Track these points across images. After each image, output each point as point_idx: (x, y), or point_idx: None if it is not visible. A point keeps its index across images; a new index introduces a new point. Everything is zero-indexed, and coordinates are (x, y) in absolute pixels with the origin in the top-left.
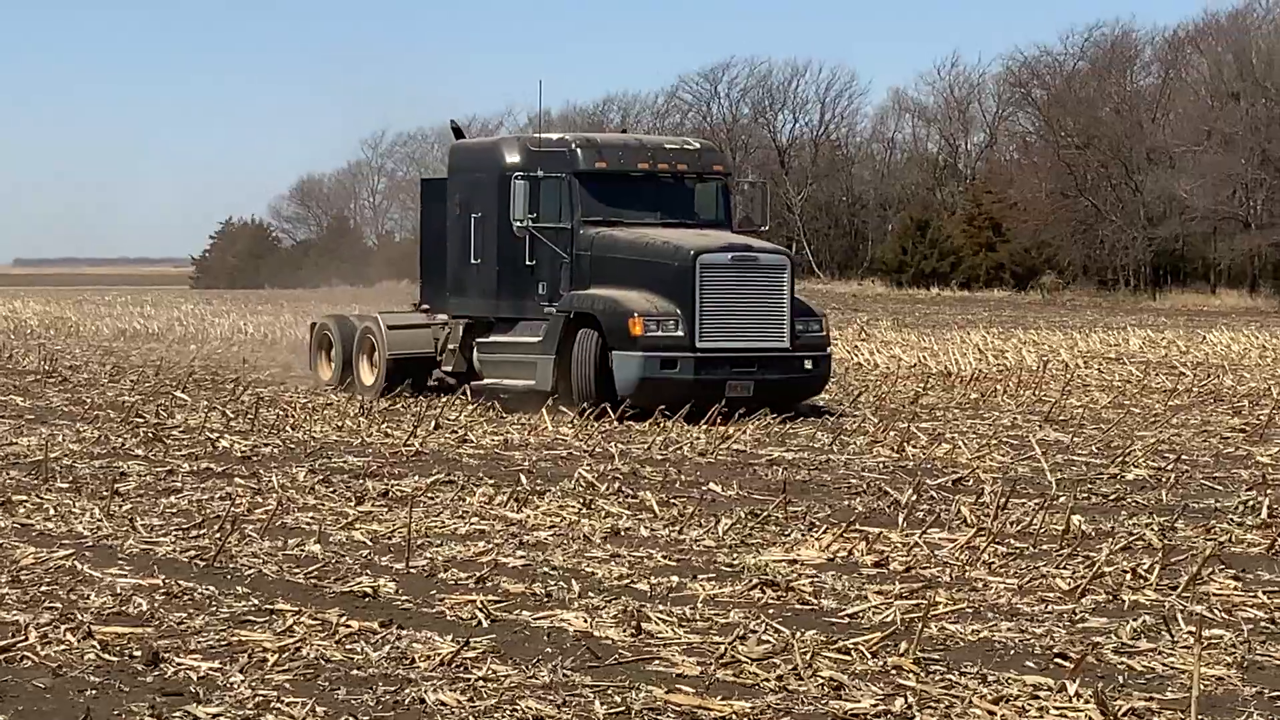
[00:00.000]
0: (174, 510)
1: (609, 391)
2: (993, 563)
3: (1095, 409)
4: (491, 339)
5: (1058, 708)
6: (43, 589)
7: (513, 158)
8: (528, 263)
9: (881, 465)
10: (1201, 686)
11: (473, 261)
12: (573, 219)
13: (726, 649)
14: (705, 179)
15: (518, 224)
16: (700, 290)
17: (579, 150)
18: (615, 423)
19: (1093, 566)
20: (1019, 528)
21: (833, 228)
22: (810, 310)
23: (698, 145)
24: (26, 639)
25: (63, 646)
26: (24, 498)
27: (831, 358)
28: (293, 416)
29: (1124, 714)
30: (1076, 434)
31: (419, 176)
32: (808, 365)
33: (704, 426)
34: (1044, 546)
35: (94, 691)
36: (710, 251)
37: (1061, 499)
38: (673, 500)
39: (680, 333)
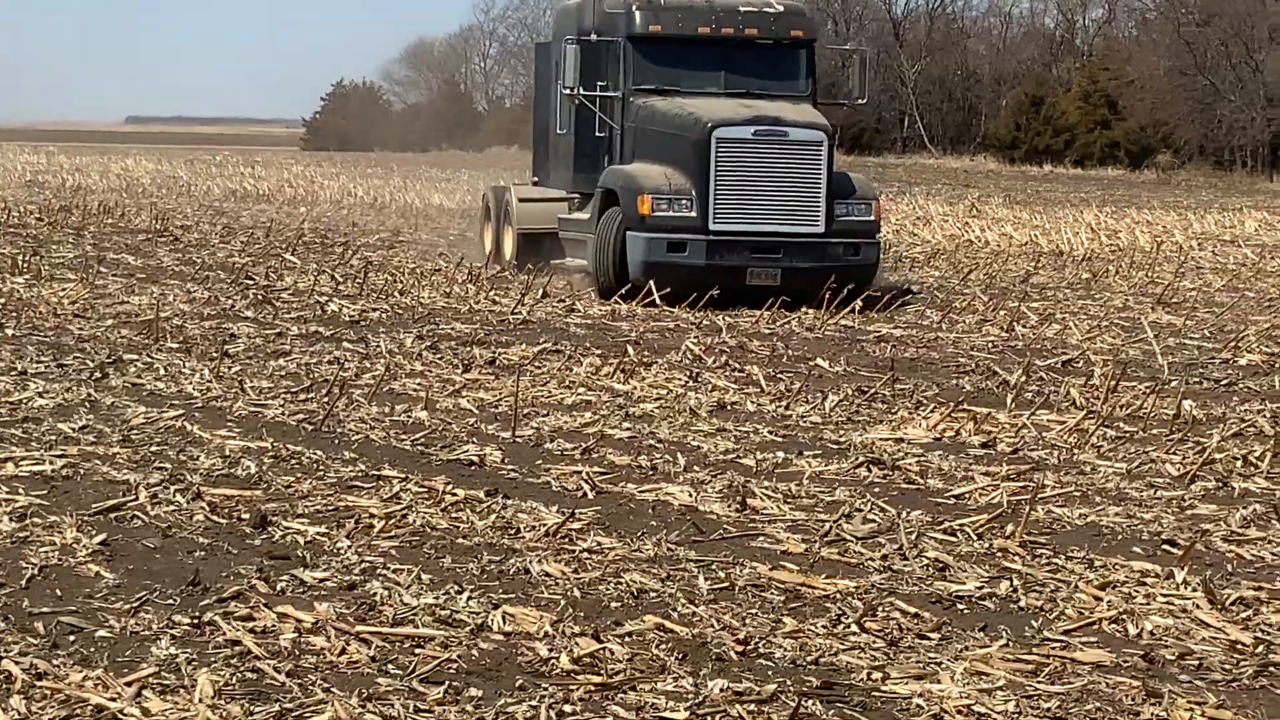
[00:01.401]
0: (282, 373)
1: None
2: (1101, 446)
3: (1208, 292)
4: (568, 215)
5: (1164, 595)
6: (153, 449)
7: (586, 21)
8: (598, 134)
9: (990, 344)
10: None
11: (559, 132)
12: (624, 87)
13: (831, 527)
14: (783, 45)
15: (566, 91)
16: (716, 166)
17: (636, 12)
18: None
19: (1203, 453)
20: (1128, 411)
21: (946, 102)
22: (857, 190)
23: (779, 8)
24: (137, 499)
25: (172, 507)
26: (135, 357)
27: (880, 245)
28: (401, 282)
29: (1232, 603)
30: (1189, 317)
31: (532, 41)
32: (845, 252)
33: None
34: (1154, 431)
35: (202, 553)
36: (731, 124)
37: (1173, 383)
38: (780, 375)
39: (692, 213)
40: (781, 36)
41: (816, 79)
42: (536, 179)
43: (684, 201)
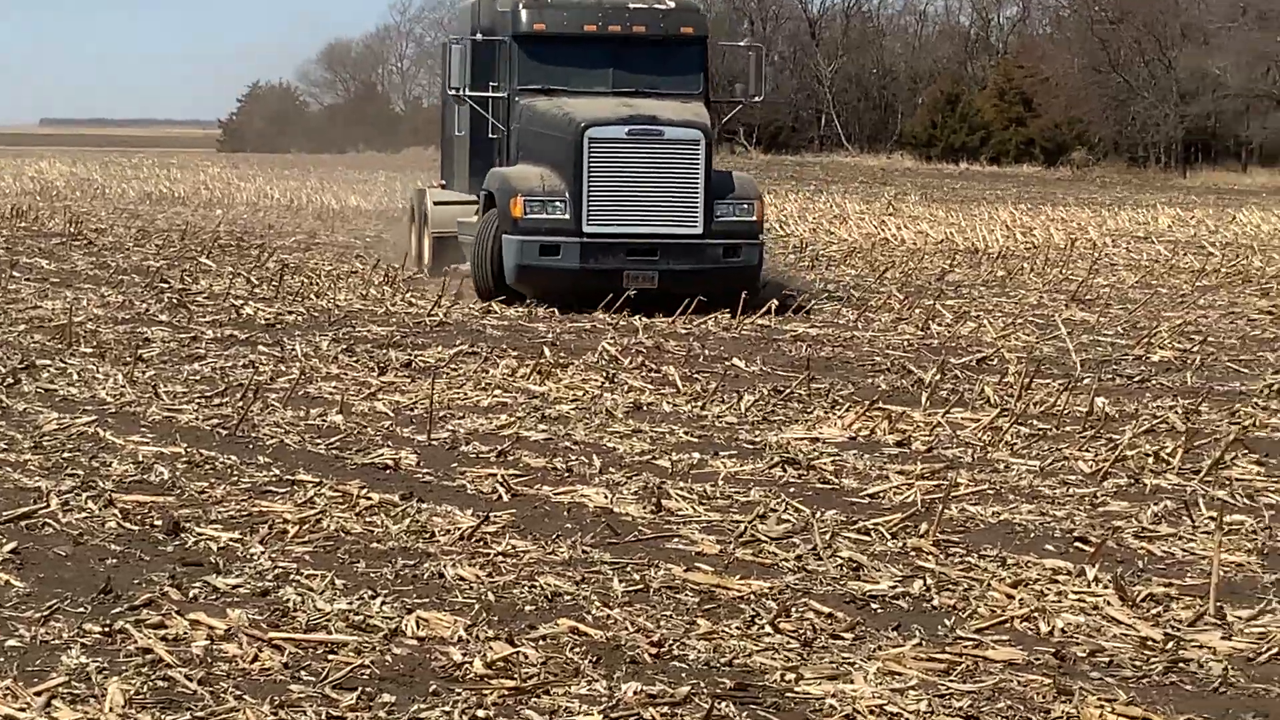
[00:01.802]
0: (197, 377)
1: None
2: (1015, 444)
3: (1122, 289)
4: (466, 219)
5: (1076, 592)
6: (65, 455)
7: (480, 20)
8: (491, 136)
9: (906, 343)
10: (1221, 572)
11: (457, 134)
12: (510, 87)
13: (746, 528)
14: (672, 42)
15: (452, 92)
16: (589, 167)
17: (522, 10)
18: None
19: (1115, 449)
20: (1042, 409)
21: (862, 100)
22: (738, 190)
23: (669, 5)
24: (48, 506)
25: (84, 514)
26: (48, 362)
27: (762, 246)
28: (317, 284)
29: (1142, 599)
30: (1102, 314)
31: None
32: (725, 254)
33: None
34: (1067, 428)
35: (114, 560)
36: (604, 123)
37: (1086, 380)
38: (696, 375)
39: (566, 215)
40: (671, 34)
41: (710, 77)
42: (444, 182)
43: (558, 203)
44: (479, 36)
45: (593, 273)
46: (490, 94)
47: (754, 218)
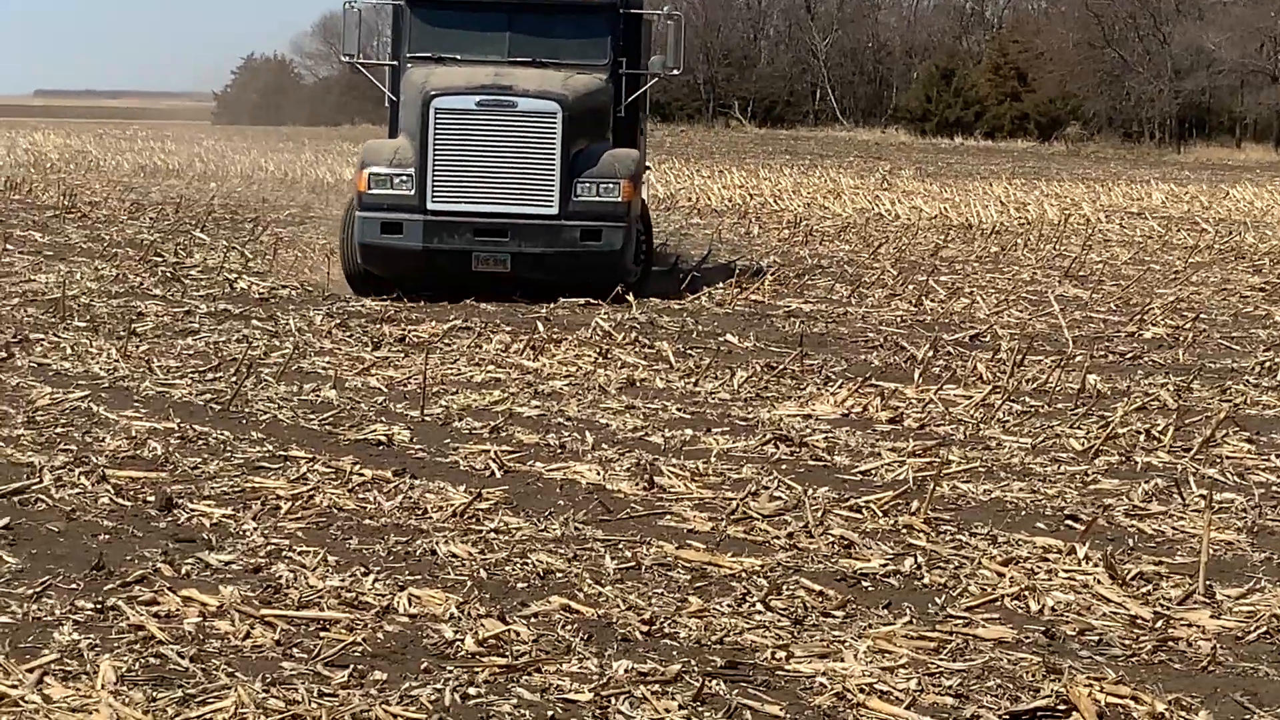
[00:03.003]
0: (190, 352)
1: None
2: (1007, 421)
3: (1115, 265)
4: None
5: (1067, 570)
6: (58, 430)
7: None
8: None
9: (899, 319)
10: (1211, 551)
11: (388, 104)
12: (401, 54)
13: (738, 505)
14: (576, 10)
15: (345, 59)
16: (434, 139)
17: None
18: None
19: (1107, 427)
20: (1034, 386)
21: (857, 74)
22: (602, 168)
23: None
24: (41, 481)
25: (77, 490)
26: (41, 336)
27: (633, 228)
28: (311, 259)
29: (1132, 577)
30: (1096, 290)
31: None
32: (584, 237)
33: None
34: (1059, 405)
35: (107, 536)
36: (452, 93)
37: (1078, 357)
38: (689, 351)
39: (410, 191)
40: (575, 1)
41: (619, 48)
42: None
43: (402, 179)
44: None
45: (438, 253)
46: (379, 62)
47: (619, 198)
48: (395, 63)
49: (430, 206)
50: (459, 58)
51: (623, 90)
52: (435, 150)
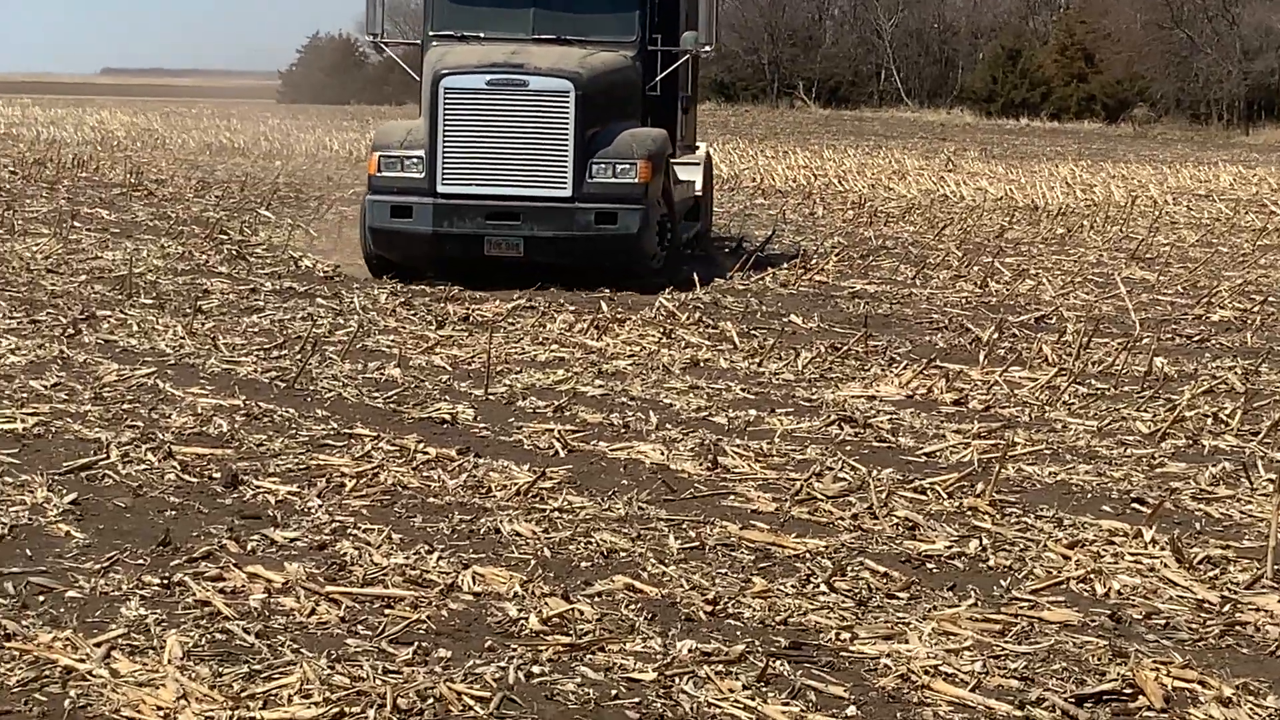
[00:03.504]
0: (255, 329)
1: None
2: (1073, 403)
3: (1182, 247)
4: None
5: (1133, 553)
6: (125, 407)
7: None
8: None
9: (964, 300)
10: (1279, 535)
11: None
12: (424, 33)
13: (802, 486)
14: None
15: (369, 38)
16: (444, 119)
17: None
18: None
19: (1174, 410)
20: (1101, 368)
21: (922, 55)
22: (619, 148)
23: None
24: (108, 457)
25: (143, 466)
26: (108, 313)
27: (651, 211)
28: None
29: (1199, 561)
30: (1162, 273)
31: None
32: (599, 220)
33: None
34: (1125, 388)
35: (173, 512)
36: (462, 72)
37: (1145, 340)
38: (753, 332)
39: (420, 173)
40: None
41: (651, 24)
42: None
43: (412, 160)
44: None
45: (449, 237)
46: (405, 41)
47: (635, 179)
48: (420, 42)
49: (440, 189)
50: (482, 36)
51: (656, 68)
52: (445, 131)
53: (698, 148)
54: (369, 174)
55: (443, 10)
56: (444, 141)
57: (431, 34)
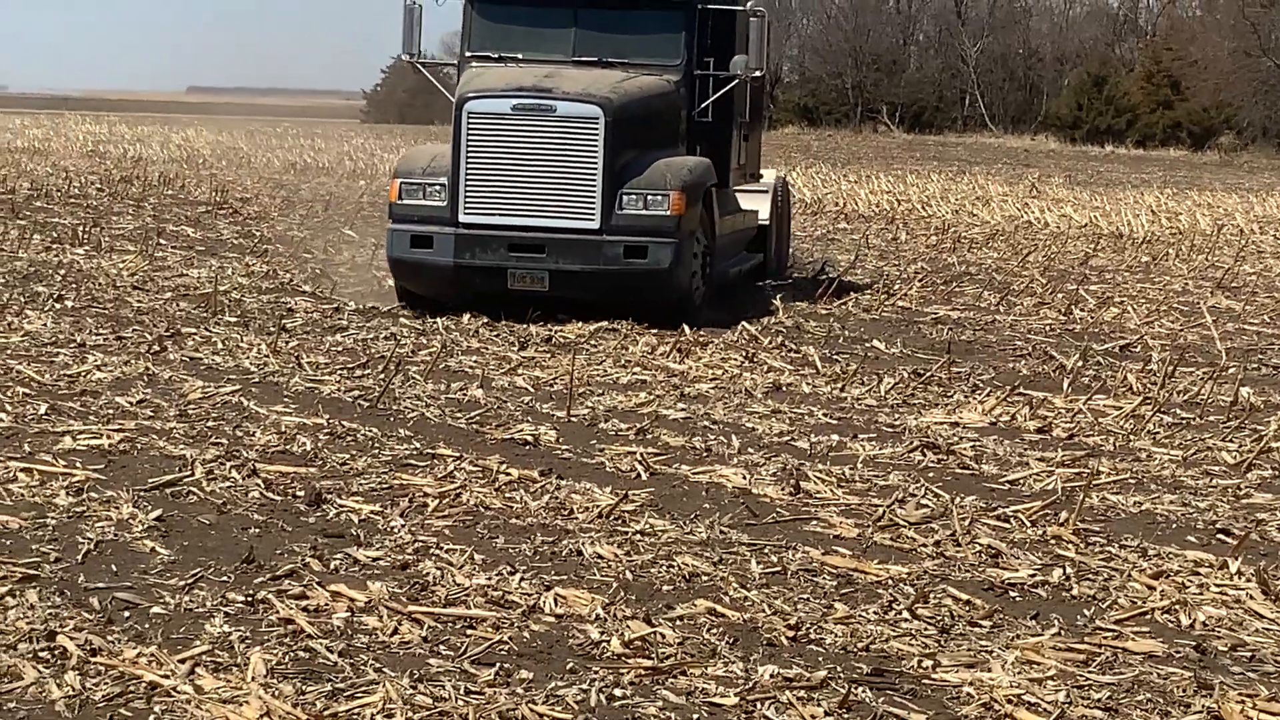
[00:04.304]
0: (339, 349)
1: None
2: (1158, 433)
3: (1269, 276)
4: None
5: (1218, 585)
6: (209, 424)
7: None
8: None
9: (1048, 328)
10: None
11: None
12: (460, 53)
13: (884, 512)
14: (646, 6)
15: (406, 59)
16: (467, 145)
17: None
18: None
19: (1260, 440)
20: (1186, 398)
21: (1007, 81)
22: (651, 178)
23: None
24: (193, 474)
25: (227, 483)
26: (193, 330)
27: (686, 245)
28: None
29: None
30: (1249, 302)
31: None
32: (628, 254)
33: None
34: (1211, 418)
35: (257, 530)
36: (486, 95)
37: (1231, 369)
38: (835, 356)
39: (442, 202)
40: None
41: (701, 46)
42: None
43: (435, 188)
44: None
45: (471, 270)
46: (442, 62)
47: (668, 211)
48: (457, 63)
49: (462, 219)
50: (520, 57)
51: (707, 92)
52: (468, 158)
53: (762, 175)
54: (390, 201)
55: (481, 31)
56: (467, 169)
57: (469, 54)
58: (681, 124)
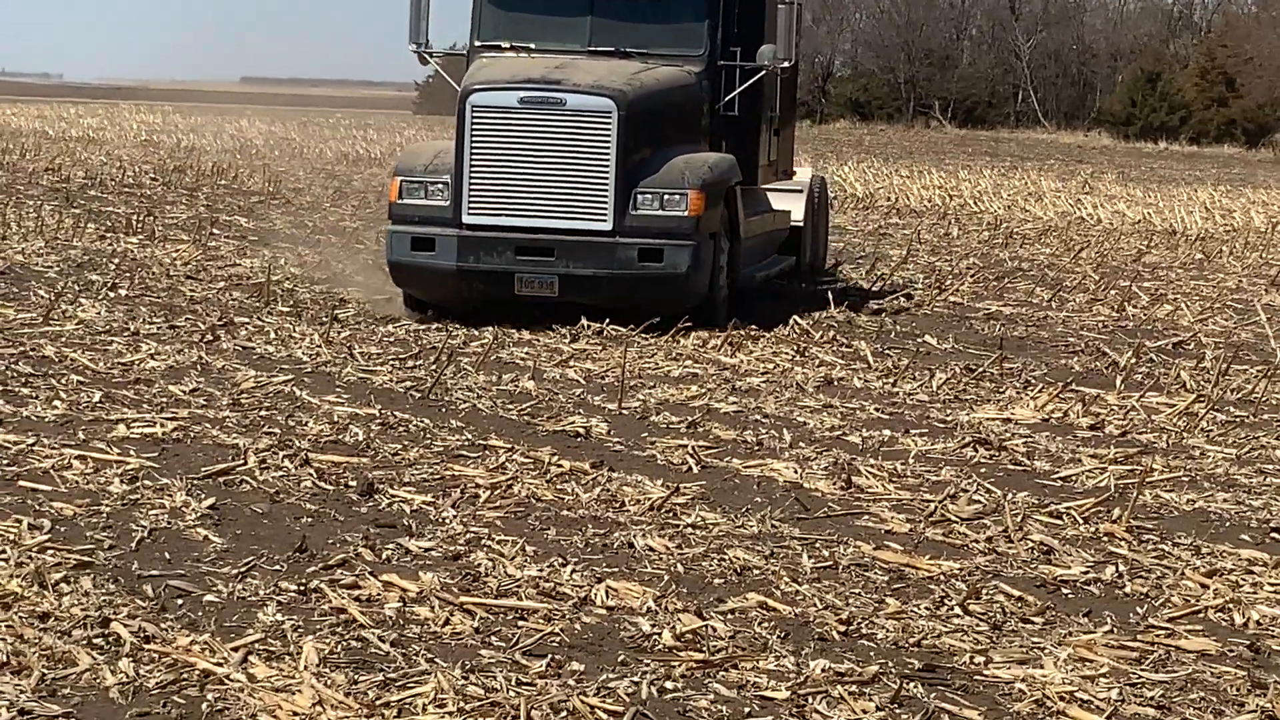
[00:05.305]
0: (391, 339)
1: None
2: (1211, 431)
3: None
4: None
5: (1272, 584)
6: (262, 414)
7: None
8: None
9: (1100, 324)
10: None
11: None
12: (470, 43)
13: (936, 507)
14: None
15: (411, 49)
16: (471, 141)
17: None
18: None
19: None
20: (1239, 396)
21: (1061, 76)
22: (667, 176)
23: None
24: (246, 463)
25: (280, 473)
26: (246, 320)
27: (705, 247)
28: None
29: None
30: None
31: None
32: (643, 257)
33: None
34: (1264, 416)
35: (309, 519)
36: (491, 88)
37: None
38: (887, 352)
39: (444, 202)
40: None
41: (727, 36)
42: None
43: (437, 187)
44: None
45: (476, 274)
46: (451, 53)
47: (685, 212)
48: (466, 54)
49: (466, 220)
50: (533, 47)
51: (733, 84)
52: (472, 154)
53: (795, 173)
54: (389, 201)
55: (490, 19)
56: (470, 166)
57: (478, 44)
58: (704, 118)
